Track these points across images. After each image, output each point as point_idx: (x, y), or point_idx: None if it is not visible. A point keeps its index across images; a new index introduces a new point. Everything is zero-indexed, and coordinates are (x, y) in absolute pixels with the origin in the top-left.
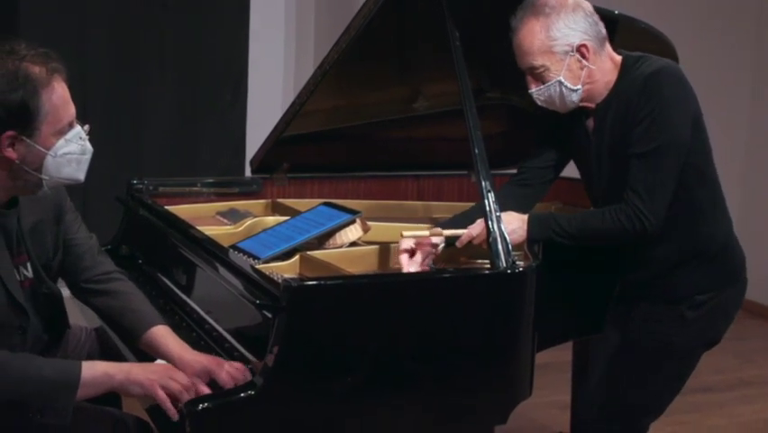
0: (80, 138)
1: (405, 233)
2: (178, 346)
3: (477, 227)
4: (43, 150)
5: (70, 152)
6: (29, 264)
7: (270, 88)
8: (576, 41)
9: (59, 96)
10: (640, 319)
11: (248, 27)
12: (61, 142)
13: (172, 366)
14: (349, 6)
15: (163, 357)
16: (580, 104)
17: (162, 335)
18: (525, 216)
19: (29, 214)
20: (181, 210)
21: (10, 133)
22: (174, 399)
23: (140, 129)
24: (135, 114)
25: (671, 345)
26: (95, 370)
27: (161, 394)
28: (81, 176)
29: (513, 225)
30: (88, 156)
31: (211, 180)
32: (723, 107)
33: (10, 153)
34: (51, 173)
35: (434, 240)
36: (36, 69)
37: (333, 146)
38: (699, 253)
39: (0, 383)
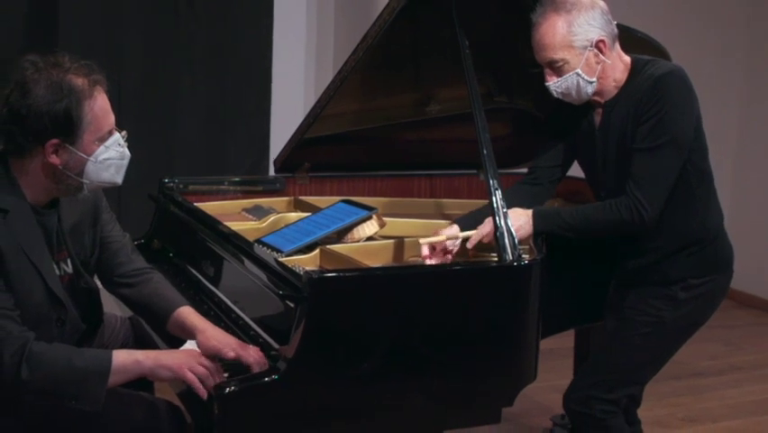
0: (119, 144)
1: (422, 241)
2: (202, 322)
3: (486, 227)
4: (85, 156)
5: (110, 157)
6: (69, 261)
7: (292, 94)
8: (595, 37)
9: (100, 106)
10: (636, 299)
11: (272, 37)
12: (102, 148)
13: (198, 352)
14: (366, 16)
15: (190, 330)
16: (591, 97)
17: (188, 312)
18: (530, 212)
19: (69, 214)
20: (209, 207)
21: (54, 141)
22: (202, 381)
23: (171, 131)
24: (167, 117)
25: (662, 321)
26: (125, 357)
27: (190, 376)
28: (119, 180)
29: (520, 221)
30: (126, 161)
31: (237, 179)
32: (713, 110)
33: (54, 159)
34: (92, 177)
35: (448, 242)
36: (79, 81)
37: (350, 147)
38: (694, 241)
39: (34, 374)
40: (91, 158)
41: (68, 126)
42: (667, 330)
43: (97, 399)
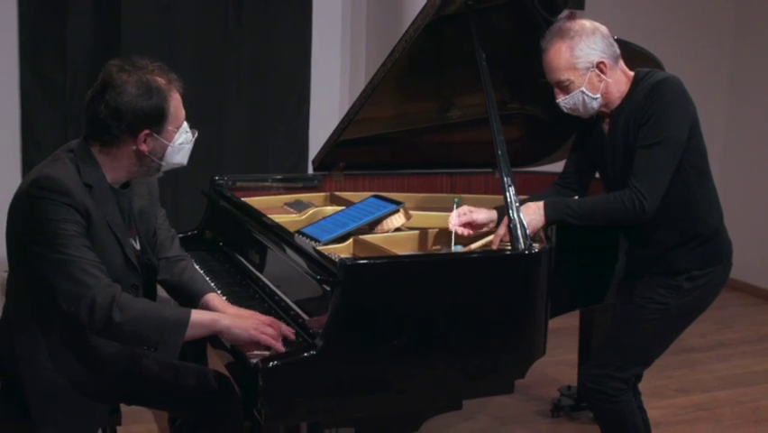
0: (186, 131)
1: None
2: (224, 305)
3: (501, 229)
4: (166, 142)
5: (183, 141)
6: (137, 238)
7: (329, 100)
8: (596, 59)
9: (177, 100)
10: (644, 287)
11: (310, 50)
12: (177, 135)
13: (266, 317)
14: (395, 32)
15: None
16: (599, 109)
17: (213, 297)
18: (541, 203)
19: (137, 199)
20: (255, 201)
21: (146, 131)
22: (275, 339)
23: (221, 135)
24: (217, 122)
25: (667, 308)
26: (203, 315)
27: (265, 337)
28: (186, 161)
29: (532, 213)
30: (191, 144)
31: (279, 177)
32: (701, 115)
33: (143, 147)
34: (169, 160)
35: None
36: (162, 81)
37: (380, 148)
38: (695, 236)
39: (125, 316)
40: (171, 143)
41: (158, 119)
42: (672, 316)
43: (174, 348)
